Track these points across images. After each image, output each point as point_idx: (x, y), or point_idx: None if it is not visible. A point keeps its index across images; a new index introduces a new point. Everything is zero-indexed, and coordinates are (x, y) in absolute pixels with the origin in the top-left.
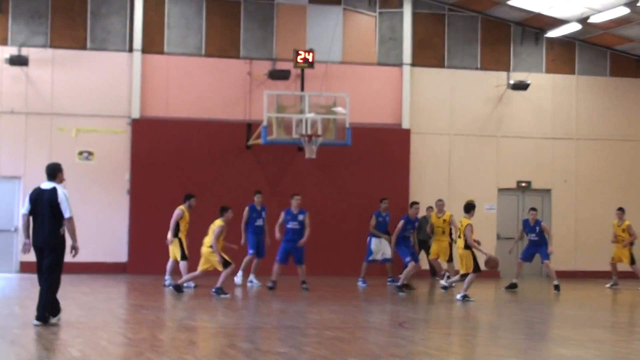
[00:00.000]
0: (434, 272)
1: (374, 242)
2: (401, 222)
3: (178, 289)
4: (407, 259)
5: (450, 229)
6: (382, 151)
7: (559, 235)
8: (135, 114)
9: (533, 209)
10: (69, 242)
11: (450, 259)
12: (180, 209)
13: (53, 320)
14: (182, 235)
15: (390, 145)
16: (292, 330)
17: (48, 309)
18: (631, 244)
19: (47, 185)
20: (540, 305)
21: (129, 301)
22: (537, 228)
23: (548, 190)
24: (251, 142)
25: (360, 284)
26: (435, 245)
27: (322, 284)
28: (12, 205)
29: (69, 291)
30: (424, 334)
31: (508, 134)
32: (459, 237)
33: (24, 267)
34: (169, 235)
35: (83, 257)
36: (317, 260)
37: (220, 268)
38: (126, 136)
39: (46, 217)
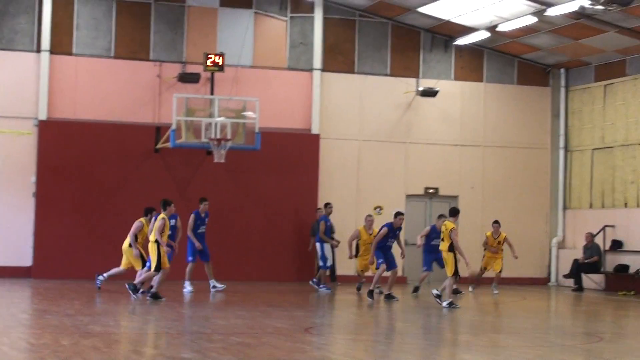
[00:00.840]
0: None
1: (326, 248)
2: (384, 230)
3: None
4: (380, 260)
5: None
6: (291, 156)
7: (466, 241)
8: (43, 116)
9: (443, 215)
10: None
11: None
12: (140, 221)
13: None
14: (138, 246)
15: (299, 150)
16: (197, 335)
17: None
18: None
19: None
20: (445, 312)
21: (33, 306)
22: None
23: (455, 197)
24: (160, 145)
25: (324, 290)
26: (361, 260)
27: (230, 289)
28: None
29: None
30: (329, 339)
31: (417, 140)
32: (442, 239)
33: None
34: (128, 245)
35: None
36: (226, 265)
37: (138, 267)
38: (33, 138)
39: None
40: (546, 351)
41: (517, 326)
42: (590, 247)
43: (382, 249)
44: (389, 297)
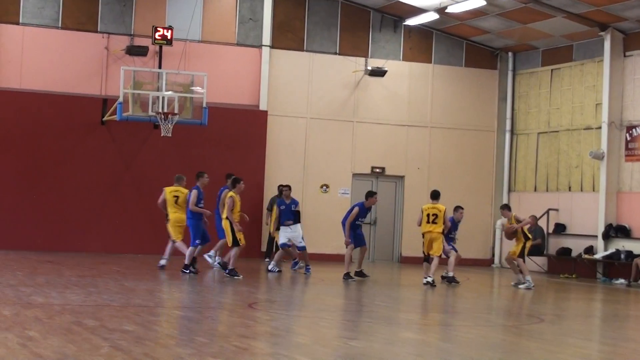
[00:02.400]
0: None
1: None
2: (355, 209)
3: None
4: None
5: None
6: (238, 132)
7: (410, 222)
8: None
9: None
10: None
11: None
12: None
13: None
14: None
15: (247, 126)
16: (140, 308)
17: None
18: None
19: None
20: (388, 290)
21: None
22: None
23: (402, 177)
24: (106, 117)
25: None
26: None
27: (173, 264)
28: None
29: None
30: (272, 315)
31: (364, 120)
32: (434, 222)
33: None
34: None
35: None
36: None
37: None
38: None
39: None
40: (488, 331)
41: (459, 306)
42: (534, 230)
43: (352, 228)
44: (361, 275)
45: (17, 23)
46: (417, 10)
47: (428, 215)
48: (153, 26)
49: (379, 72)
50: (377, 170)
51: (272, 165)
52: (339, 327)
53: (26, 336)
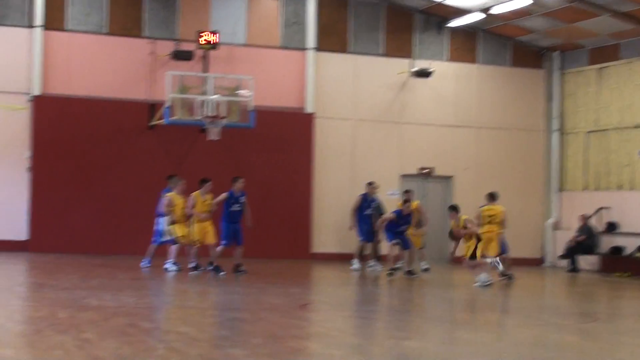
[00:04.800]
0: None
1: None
2: (392, 215)
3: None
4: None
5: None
6: (285, 135)
7: None
8: (37, 91)
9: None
10: None
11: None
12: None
13: None
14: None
15: (293, 129)
16: (194, 310)
17: None
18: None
19: None
20: (440, 290)
21: (29, 279)
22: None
23: (449, 177)
24: (154, 122)
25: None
26: None
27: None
28: None
29: None
30: (325, 315)
31: (410, 121)
32: (493, 223)
33: None
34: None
35: None
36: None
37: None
38: (27, 113)
39: None
40: (542, 330)
41: (512, 305)
42: (583, 228)
43: (395, 232)
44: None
45: (64, 30)
46: (461, 11)
47: (485, 216)
48: (198, 31)
49: (424, 73)
50: (425, 171)
51: (320, 167)
52: (392, 327)
53: (82, 338)
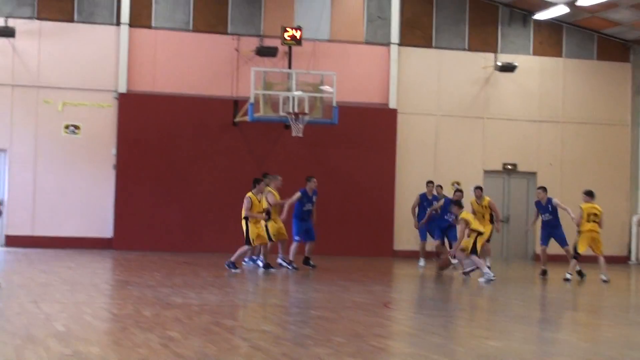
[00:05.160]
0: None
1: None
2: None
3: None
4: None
5: (491, 214)
6: (368, 130)
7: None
8: (122, 88)
9: (541, 187)
10: None
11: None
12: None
13: None
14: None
15: (377, 124)
16: (276, 308)
17: None
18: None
19: None
20: (522, 288)
21: (114, 277)
22: (550, 207)
23: (533, 173)
24: (238, 118)
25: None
26: None
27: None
28: None
29: (54, 266)
30: (408, 314)
31: (495, 116)
32: (595, 221)
33: (10, 241)
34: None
35: (69, 231)
36: None
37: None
38: (113, 110)
39: None
40: (629, 329)
41: (597, 304)
42: None
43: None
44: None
45: (150, 27)
46: (546, 4)
47: (589, 214)
48: (282, 27)
49: (509, 68)
50: (509, 167)
51: (403, 163)
52: (475, 326)
53: (167, 336)
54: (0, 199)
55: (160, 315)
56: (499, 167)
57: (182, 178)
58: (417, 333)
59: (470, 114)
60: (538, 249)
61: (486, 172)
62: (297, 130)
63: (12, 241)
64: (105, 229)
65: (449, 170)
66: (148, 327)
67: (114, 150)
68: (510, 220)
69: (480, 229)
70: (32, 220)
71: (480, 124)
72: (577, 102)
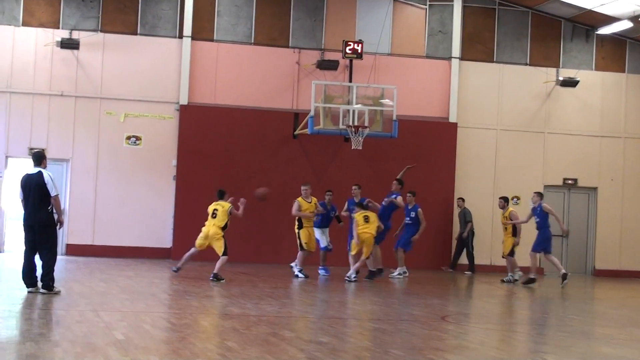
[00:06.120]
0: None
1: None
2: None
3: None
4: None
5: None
6: (428, 144)
7: (604, 234)
8: (184, 100)
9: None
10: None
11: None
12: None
13: (50, 290)
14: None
15: (436, 138)
16: (334, 320)
17: (51, 278)
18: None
19: (33, 170)
20: (582, 304)
21: (173, 286)
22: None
23: (594, 189)
24: (298, 131)
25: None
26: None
27: (363, 275)
28: (61, 189)
29: (113, 275)
30: (466, 328)
31: (555, 131)
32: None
33: (70, 250)
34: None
35: (128, 241)
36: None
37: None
38: (174, 122)
39: (35, 198)
40: None
41: None
42: None
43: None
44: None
45: (212, 40)
46: (609, 19)
47: None
48: (344, 40)
49: (570, 83)
50: (569, 181)
51: (462, 177)
52: (533, 340)
53: (225, 346)
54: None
55: (219, 325)
56: (560, 182)
57: (240, 189)
58: (476, 347)
59: (531, 129)
60: (599, 264)
61: (546, 186)
62: (356, 144)
63: (73, 250)
64: (164, 239)
65: (508, 185)
66: (206, 337)
67: (174, 162)
68: (570, 235)
69: None
70: (92, 230)
71: (541, 139)
72: (639, 118)
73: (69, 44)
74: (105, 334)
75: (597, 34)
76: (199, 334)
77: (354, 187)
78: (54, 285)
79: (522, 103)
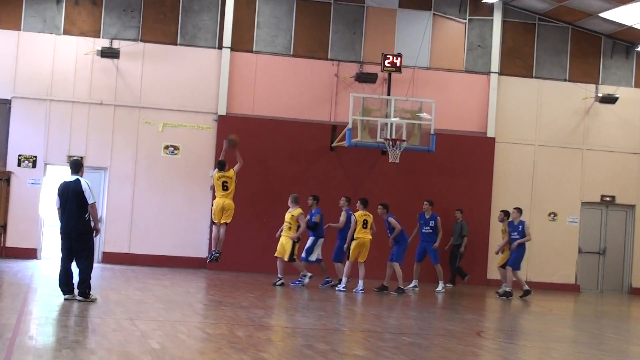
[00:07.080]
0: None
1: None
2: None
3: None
4: None
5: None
6: (465, 159)
7: None
8: (222, 111)
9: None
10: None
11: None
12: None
13: (83, 297)
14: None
15: (474, 153)
16: (369, 334)
17: (87, 285)
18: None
19: (71, 178)
20: (618, 322)
21: (208, 296)
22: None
23: (632, 206)
24: (335, 143)
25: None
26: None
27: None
28: (98, 197)
29: (149, 284)
30: (501, 344)
31: (594, 147)
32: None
33: (106, 258)
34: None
35: (164, 250)
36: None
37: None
38: (212, 132)
39: (73, 205)
40: None
41: None
42: None
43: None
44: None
45: (251, 51)
46: None
47: None
48: (383, 53)
49: (610, 99)
50: (607, 198)
51: (499, 192)
52: (570, 358)
53: (260, 358)
54: (99, 216)
55: (253, 337)
56: (597, 199)
57: (276, 200)
58: None
59: (569, 145)
60: (636, 282)
61: (584, 203)
62: (394, 157)
63: (109, 258)
64: (200, 248)
65: (546, 201)
66: (241, 347)
67: (211, 172)
68: (607, 252)
69: None
70: (129, 238)
71: (579, 155)
72: None
73: (109, 53)
74: (141, 343)
75: (637, 50)
76: (234, 344)
77: (425, 203)
78: (91, 292)
79: (560, 119)
